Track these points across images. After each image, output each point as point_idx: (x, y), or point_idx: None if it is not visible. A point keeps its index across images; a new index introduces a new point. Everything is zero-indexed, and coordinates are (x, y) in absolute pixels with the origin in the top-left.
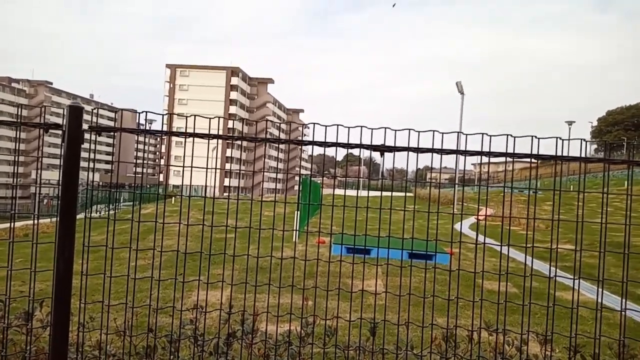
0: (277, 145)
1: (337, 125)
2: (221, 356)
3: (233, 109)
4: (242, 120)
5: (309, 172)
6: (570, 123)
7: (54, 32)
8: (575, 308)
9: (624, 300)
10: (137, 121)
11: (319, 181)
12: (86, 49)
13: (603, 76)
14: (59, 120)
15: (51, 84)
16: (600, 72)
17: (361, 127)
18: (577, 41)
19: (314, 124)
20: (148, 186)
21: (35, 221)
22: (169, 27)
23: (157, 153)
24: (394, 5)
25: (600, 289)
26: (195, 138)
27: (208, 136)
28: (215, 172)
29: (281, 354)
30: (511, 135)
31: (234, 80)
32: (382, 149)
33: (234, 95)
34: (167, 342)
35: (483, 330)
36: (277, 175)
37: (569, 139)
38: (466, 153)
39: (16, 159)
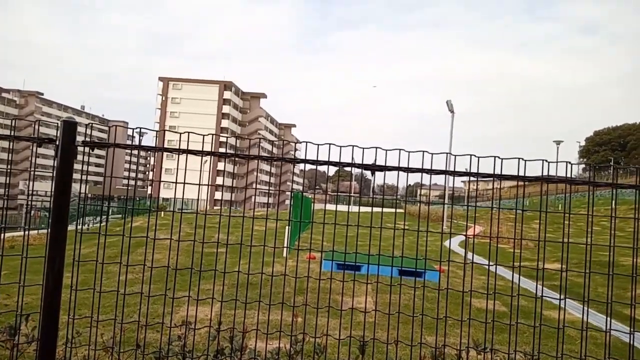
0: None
1: (329, 144)
2: None
3: (225, 123)
4: (235, 135)
5: (301, 187)
6: (558, 143)
7: (45, 43)
8: (562, 328)
9: (609, 320)
10: (131, 134)
11: (310, 196)
12: (78, 61)
13: (591, 97)
14: (48, 131)
15: (42, 94)
16: (589, 93)
17: (352, 146)
18: (565, 63)
19: (306, 142)
20: (138, 199)
21: (25, 233)
22: (161, 42)
23: (148, 165)
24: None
25: (586, 309)
26: (187, 155)
27: (201, 153)
28: (208, 188)
29: None
30: (499, 157)
31: (227, 94)
32: (373, 168)
33: (226, 109)
34: (155, 359)
35: (471, 350)
36: (268, 191)
37: (556, 162)
38: (455, 174)
39: (8, 171)
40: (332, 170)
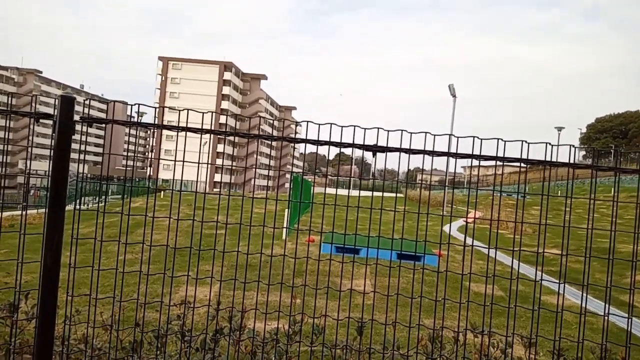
0: (269, 142)
1: (330, 124)
2: (208, 352)
3: (225, 104)
4: (235, 115)
5: (301, 170)
6: (559, 129)
7: (44, 21)
8: (560, 312)
9: (607, 306)
10: (129, 114)
11: (310, 179)
12: (77, 40)
13: (593, 84)
14: (47, 110)
15: (41, 72)
16: (590, 80)
17: (354, 126)
18: (568, 50)
19: (307, 122)
20: (137, 179)
21: (24, 212)
22: (161, 22)
23: (147, 146)
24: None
25: (584, 294)
26: (186, 133)
27: (200, 131)
28: (207, 168)
29: (268, 352)
30: (502, 139)
31: (227, 75)
32: (375, 149)
33: (226, 90)
34: (154, 338)
35: (469, 332)
36: (268, 173)
37: (558, 145)
38: (457, 156)
39: (5, 148)
40: (332, 154)
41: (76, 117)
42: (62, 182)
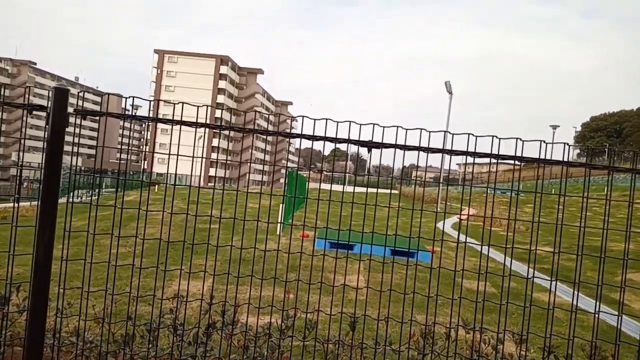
0: (264, 136)
1: (326, 119)
2: (200, 346)
3: (221, 98)
4: (230, 110)
5: (296, 165)
6: (554, 127)
7: (38, 10)
8: (552, 309)
9: (598, 303)
10: (124, 106)
11: (305, 175)
12: (72, 31)
13: (589, 82)
14: (41, 102)
15: (35, 64)
16: (586, 77)
17: (349, 122)
18: (565, 46)
19: (303, 116)
20: (131, 173)
21: (16, 204)
22: (157, 13)
23: (142, 140)
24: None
25: (576, 292)
26: (181, 126)
27: (195, 124)
28: (202, 162)
29: (261, 346)
30: (496, 137)
31: (223, 69)
32: (370, 144)
33: (222, 84)
34: (146, 331)
35: (460, 328)
36: (263, 168)
37: (552, 143)
38: (452, 153)
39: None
40: (328, 150)
41: (70, 110)
42: (55, 174)
